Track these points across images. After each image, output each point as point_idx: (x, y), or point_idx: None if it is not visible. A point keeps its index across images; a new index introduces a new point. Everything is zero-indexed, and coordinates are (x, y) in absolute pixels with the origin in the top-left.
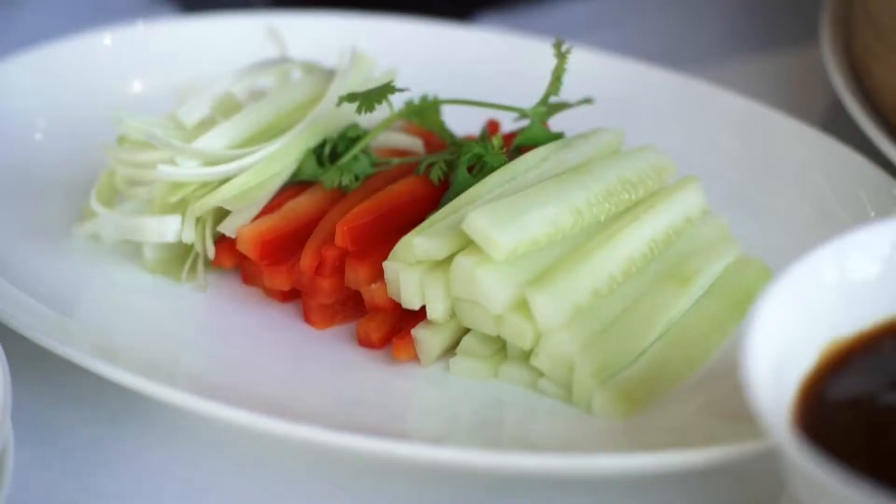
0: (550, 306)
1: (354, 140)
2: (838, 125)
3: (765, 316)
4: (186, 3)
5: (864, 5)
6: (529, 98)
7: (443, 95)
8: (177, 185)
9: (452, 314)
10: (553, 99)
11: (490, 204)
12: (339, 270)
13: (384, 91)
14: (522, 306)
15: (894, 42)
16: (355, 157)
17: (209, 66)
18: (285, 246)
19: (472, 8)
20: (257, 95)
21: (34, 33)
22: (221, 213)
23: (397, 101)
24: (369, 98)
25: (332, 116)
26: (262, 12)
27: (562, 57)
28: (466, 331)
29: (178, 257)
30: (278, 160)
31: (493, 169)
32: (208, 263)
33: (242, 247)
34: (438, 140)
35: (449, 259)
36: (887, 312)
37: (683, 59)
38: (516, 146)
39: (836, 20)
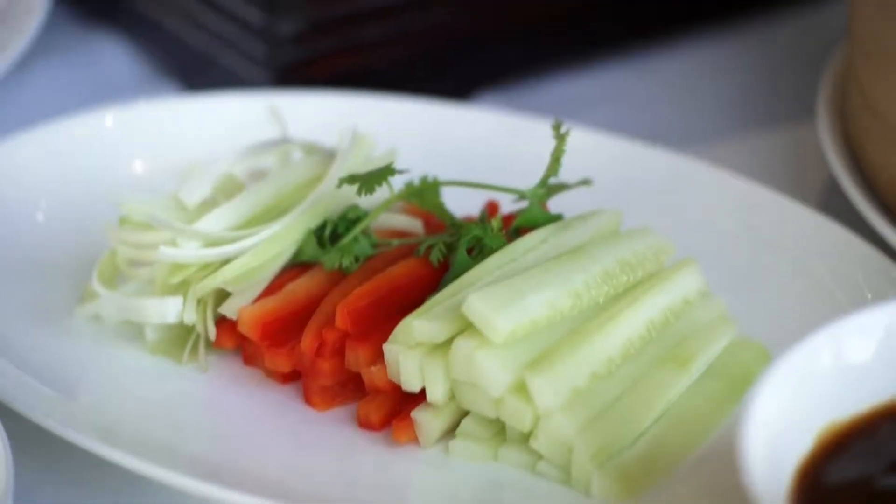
0: (549, 389)
1: (355, 221)
2: (836, 203)
3: (761, 400)
4: (189, 81)
5: (859, 86)
6: (529, 176)
7: (442, 173)
8: (178, 267)
9: (452, 396)
10: (552, 180)
11: (489, 287)
12: (340, 352)
13: (384, 173)
14: (521, 389)
15: (889, 122)
16: (355, 239)
17: (211, 145)
18: (286, 327)
19: (471, 86)
20: (258, 176)
21: (36, 112)
22: (222, 295)
23: (397, 181)
24: (369, 180)
25: (332, 197)
26: (262, 91)
27: (561, 139)
28: (466, 413)
29: (180, 338)
30: (279, 241)
31: (493, 251)
32: (209, 344)
33: (243, 328)
34: (438, 221)
35: (448, 341)
36: (883, 395)
37: (681, 137)
38: (515, 227)
39: (833, 99)
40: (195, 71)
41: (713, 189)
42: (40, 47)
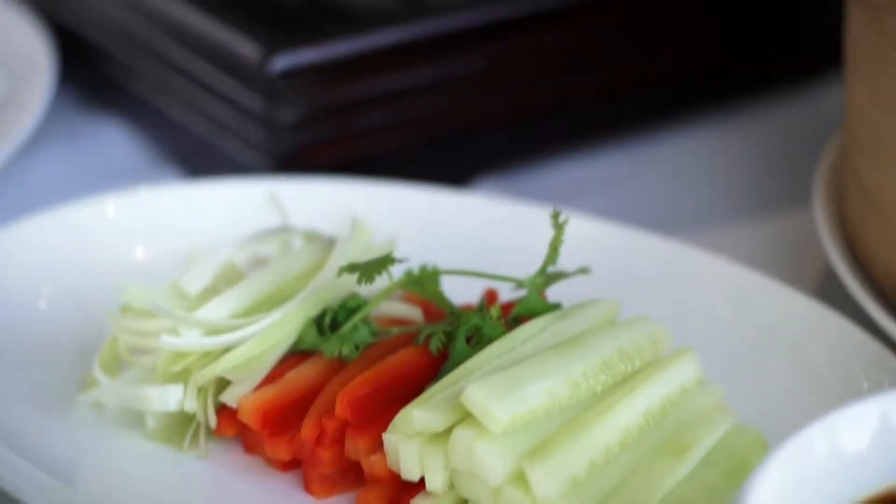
0: (547, 479)
1: (354, 309)
2: (833, 291)
3: (758, 489)
4: (190, 167)
5: (855, 174)
6: (528, 263)
7: (440, 260)
8: (179, 355)
9: (451, 485)
10: (550, 268)
11: (488, 376)
12: (340, 441)
13: (384, 262)
14: (520, 479)
15: (886, 212)
16: (355, 327)
17: (212, 232)
18: (286, 416)
19: (470, 173)
20: (259, 263)
21: (38, 198)
22: (223, 382)
23: (397, 269)
24: (369, 270)
25: (332, 286)
26: (263, 177)
27: (559, 228)
28: (465, 502)
29: (181, 426)
30: (279, 330)
31: (492, 339)
32: (210, 432)
33: (244, 416)
34: (437, 309)
35: (448, 430)
36: (879, 485)
37: (678, 223)
38: (514, 316)
39: (830, 186)
40: (196, 157)
41: (710, 276)
42: (42, 133)
